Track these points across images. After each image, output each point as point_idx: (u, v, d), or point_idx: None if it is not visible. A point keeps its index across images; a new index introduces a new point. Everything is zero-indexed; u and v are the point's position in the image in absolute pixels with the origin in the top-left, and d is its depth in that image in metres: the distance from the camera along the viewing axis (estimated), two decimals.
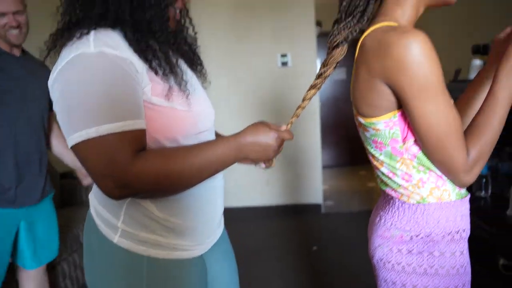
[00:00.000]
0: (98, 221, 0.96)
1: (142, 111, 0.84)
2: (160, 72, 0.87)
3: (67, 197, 3.21)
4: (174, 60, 0.93)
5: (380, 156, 0.93)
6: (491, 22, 2.33)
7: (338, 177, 5.20)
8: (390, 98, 0.84)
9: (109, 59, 0.79)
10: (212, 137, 1.06)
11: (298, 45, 3.71)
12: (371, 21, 0.92)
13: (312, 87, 1.01)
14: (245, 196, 3.88)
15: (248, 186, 3.83)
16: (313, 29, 3.72)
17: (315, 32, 3.79)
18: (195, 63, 1.09)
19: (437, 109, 0.78)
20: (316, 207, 3.89)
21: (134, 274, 0.92)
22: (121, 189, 0.80)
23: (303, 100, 1.03)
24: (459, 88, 1.59)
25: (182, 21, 1.04)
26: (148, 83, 0.85)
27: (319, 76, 0.99)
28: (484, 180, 1.60)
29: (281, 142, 0.96)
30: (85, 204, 2.87)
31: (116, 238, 0.92)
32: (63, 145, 1.98)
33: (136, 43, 0.85)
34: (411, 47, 0.76)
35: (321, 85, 1.00)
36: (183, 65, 1.00)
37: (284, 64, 3.73)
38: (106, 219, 0.94)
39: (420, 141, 0.84)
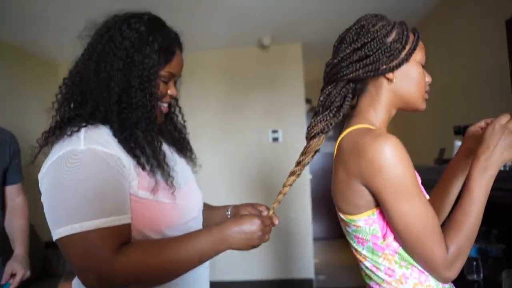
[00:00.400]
0: None
1: (127, 206, 0.87)
2: (147, 168, 0.91)
3: (50, 267, 3.12)
4: (161, 156, 0.96)
5: (363, 251, 0.94)
6: (473, 102, 2.47)
7: (329, 250, 5.11)
8: (368, 198, 0.87)
9: (97, 156, 0.83)
10: (199, 224, 1.07)
11: (289, 121, 3.85)
12: (347, 120, 0.98)
13: (292, 173, 1.05)
14: (234, 269, 3.79)
15: (237, 259, 3.75)
16: (303, 106, 3.88)
17: (305, 109, 3.94)
18: (185, 150, 1.15)
19: (412, 208, 0.81)
20: (308, 282, 3.78)
21: None
22: (102, 283, 0.80)
23: (284, 186, 1.07)
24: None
25: (172, 109, 1.12)
26: (135, 178, 0.89)
27: (298, 163, 1.03)
28: (475, 263, 1.61)
29: (266, 229, 0.97)
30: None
31: None
32: (14, 224, 1.89)
33: (124, 141, 0.89)
34: (384, 150, 0.80)
35: (300, 172, 1.04)
36: (169, 152, 1.06)
37: (275, 139, 3.84)
38: None
39: (399, 239, 0.86)
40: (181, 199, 0.98)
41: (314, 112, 1.01)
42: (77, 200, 0.80)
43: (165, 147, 1.06)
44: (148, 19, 1.01)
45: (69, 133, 0.87)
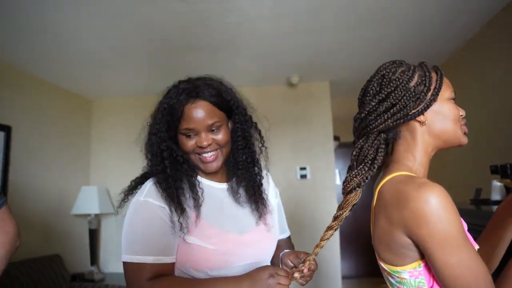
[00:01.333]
0: None
1: (169, 249, 1.06)
2: (192, 216, 1.10)
3: None
4: (202, 198, 1.14)
5: None
6: (510, 140, 2.39)
7: None
8: (413, 249, 0.84)
9: (150, 206, 1.07)
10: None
11: (317, 158, 3.84)
12: (384, 168, 0.97)
13: (329, 228, 1.03)
14: None
15: None
16: (331, 143, 3.86)
17: (333, 146, 3.92)
18: (254, 201, 1.21)
19: (461, 261, 0.76)
20: None
21: None
22: None
23: (321, 240, 1.05)
24: (481, 215, 1.58)
25: (244, 157, 1.22)
26: (185, 226, 1.07)
27: (335, 218, 1.01)
28: None
29: (279, 282, 0.96)
30: None
31: None
32: None
33: (169, 195, 1.09)
34: (429, 200, 0.77)
35: (338, 227, 1.02)
36: (237, 197, 1.20)
37: (303, 176, 3.82)
38: None
39: None
40: (233, 245, 1.11)
41: (348, 167, 1.00)
42: (131, 237, 1.06)
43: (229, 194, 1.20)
44: (173, 86, 1.19)
45: (141, 187, 1.16)
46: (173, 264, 1.08)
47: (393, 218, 0.84)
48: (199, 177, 1.18)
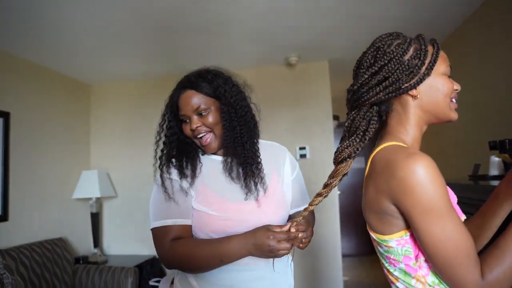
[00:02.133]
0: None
1: (184, 213, 1.27)
2: (198, 185, 1.30)
3: (80, 282, 3.21)
4: (199, 170, 1.34)
5: (395, 272, 0.92)
6: (509, 116, 2.39)
7: (359, 267, 5.00)
8: (399, 217, 0.85)
9: (165, 180, 1.29)
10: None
11: (316, 137, 3.84)
12: (378, 139, 0.98)
13: (319, 195, 1.05)
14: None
15: None
16: (330, 122, 3.86)
17: (332, 125, 3.92)
18: (249, 174, 1.31)
19: (443, 231, 0.78)
20: None
21: None
22: (162, 260, 1.27)
23: (310, 204, 1.08)
24: (479, 189, 1.59)
25: (239, 136, 1.33)
26: (193, 195, 1.28)
27: (325, 186, 1.02)
28: None
29: (278, 242, 1.11)
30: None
31: None
32: None
33: (183, 172, 1.31)
34: (417, 170, 0.78)
35: (327, 194, 1.04)
36: (236, 172, 1.32)
37: (303, 156, 3.83)
38: (176, 282, 1.38)
39: (429, 260, 0.83)
40: (233, 212, 1.26)
41: (341, 138, 1.01)
42: (154, 208, 1.30)
43: (231, 166, 1.32)
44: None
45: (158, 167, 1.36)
46: (190, 226, 1.28)
47: (381, 186, 0.86)
48: (201, 154, 1.38)
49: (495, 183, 1.63)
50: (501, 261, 0.77)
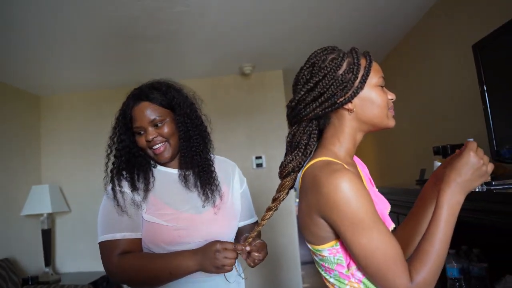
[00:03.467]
0: None
1: (134, 226, 1.25)
2: (151, 198, 1.29)
3: None
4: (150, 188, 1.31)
5: (330, 279, 0.96)
6: (450, 123, 2.53)
7: (318, 274, 5.06)
8: (328, 229, 0.89)
9: (115, 193, 1.27)
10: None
11: (272, 147, 3.89)
12: (314, 152, 1.00)
13: (269, 209, 1.08)
14: None
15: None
16: (286, 131, 3.91)
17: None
18: (205, 183, 1.35)
19: (370, 241, 0.81)
20: None
21: None
22: (109, 274, 1.25)
23: (262, 219, 1.11)
24: None
25: (194, 145, 1.36)
26: (145, 207, 1.27)
27: (274, 200, 1.05)
28: (458, 283, 1.63)
29: (225, 258, 1.13)
30: None
31: None
32: None
33: (134, 185, 1.30)
34: (339, 186, 0.82)
35: (277, 208, 1.07)
36: (191, 182, 1.35)
37: (259, 165, 3.87)
38: None
39: (361, 269, 0.87)
40: (188, 223, 1.27)
41: (285, 152, 1.03)
42: (102, 221, 1.28)
43: (183, 178, 1.35)
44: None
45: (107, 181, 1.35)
46: (140, 240, 1.27)
47: (310, 202, 0.89)
48: (158, 166, 1.38)
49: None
50: (425, 263, 0.81)
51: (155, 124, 1.31)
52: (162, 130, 1.31)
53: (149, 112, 1.30)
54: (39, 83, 3.71)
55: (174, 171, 1.38)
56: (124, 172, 1.32)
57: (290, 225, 3.82)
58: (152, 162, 1.38)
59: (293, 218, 3.83)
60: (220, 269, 1.14)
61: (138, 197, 1.28)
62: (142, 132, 1.31)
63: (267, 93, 3.96)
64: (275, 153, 3.87)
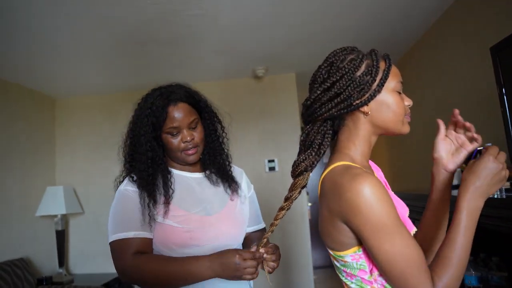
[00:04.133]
0: None
1: (146, 226, 1.24)
2: (161, 199, 1.28)
3: None
4: (170, 192, 1.31)
5: (352, 285, 0.94)
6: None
7: (330, 279, 5.03)
8: (351, 235, 0.88)
9: (128, 192, 1.29)
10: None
11: (285, 150, 3.87)
12: (330, 156, 0.99)
13: (281, 208, 1.07)
14: None
15: None
16: (298, 134, 3.90)
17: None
18: (226, 179, 1.41)
19: (393, 247, 0.80)
20: None
21: None
22: (121, 275, 1.23)
23: (275, 219, 1.10)
24: None
25: (213, 145, 1.42)
26: (158, 209, 1.26)
27: (286, 199, 1.04)
28: None
29: (245, 265, 1.12)
30: None
31: None
32: None
33: (144, 185, 1.28)
34: (362, 191, 0.80)
35: (289, 207, 1.06)
36: (208, 182, 1.40)
37: (272, 169, 3.85)
38: None
39: (383, 275, 0.85)
40: (198, 224, 1.28)
41: (298, 151, 1.03)
42: (115, 220, 1.27)
43: (201, 181, 1.40)
44: (146, 95, 1.37)
45: (121, 180, 1.38)
46: (151, 241, 1.26)
47: (332, 208, 0.88)
48: (173, 170, 1.38)
49: (455, 192, 1.68)
50: (447, 269, 0.80)
51: (191, 127, 1.33)
52: (197, 132, 1.34)
53: (188, 113, 1.31)
54: (55, 85, 3.75)
55: (194, 175, 1.40)
56: (143, 172, 1.30)
57: (303, 229, 3.79)
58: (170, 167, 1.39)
59: (305, 221, 3.80)
60: (239, 271, 1.14)
61: (151, 198, 1.27)
62: (175, 133, 1.31)
63: (280, 96, 3.94)
64: (288, 156, 3.85)
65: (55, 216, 3.67)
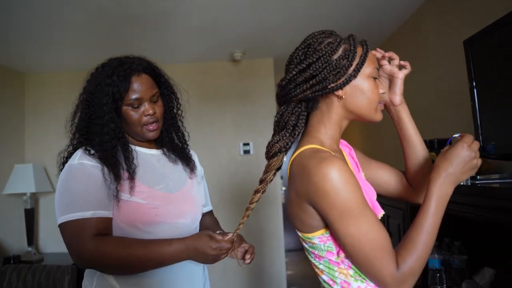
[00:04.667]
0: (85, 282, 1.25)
1: (105, 204, 1.14)
2: (124, 175, 1.19)
3: (9, 282, 2.99)
4: (133, 166, 1.23)
5: (320, 266, 0.96)
6: (437, 119, 2.55)
7: (302, 261, 5.14)
8: (318, 218, 0.90)
9: (83, 166, 1.16)
10: (187, 228, 1.29)
11: (260, 134, 3.88)
12: (300, 140, 1.00)
13: (257, 191, 1.06)
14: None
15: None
16: (273, 119, 3.92)
17: None
18: (183, 158, 1.40)
19: (358, 230, 0.82)
20: None
21: None
22: (78, 260, 1.11)
23: (250, 203, 1.09)
24: None
25: (171, 121, 1.39)
26: (122, 185, 1.16)
27: (261, 181, 1.04)
28: (438, 274, 1.66)
29: (221, 252, 1.13)
30: None
31: None
32: None
33: (103, 158, 1.18)
34: (328, 175, 0.82)
35: (264, 189, 1.06)
36: (165, 160, 1.35)
37: (246, 152, 3.86)
38: (86, 283, 1.24)
39: (349, 258, 0.88)
40: (163, 201, 1.22)
41: (272, 132, 1.03)
42: (66, 199, 1.14)
43: (160, 158, 1.35)
44: (103, 65, 1.29)
45: (65, 155, 1.27)
46: (111, 220, 1.16)
47: (299, 191, 0.90)
48: (132, 146, 1.30)
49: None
50: (412, 252, 0.82)
51: (153, 100, 1.26)
52: (158, 106, 1.28)
53: (150, 85, 1.25)
54: (24, 60, 3.62)
55: (152, 151, 1.35)
56: (104, 145, 1.20)
57: (276, 213, 3.85)
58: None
59: (279, 205, 3.85)
60: (214, 261, 1.15)
61: (112, 174, 1.16)
62: (136, 106, 1.23)
63: (257, 81, 3.94)
64: (263, 140, 3.86)
65: (24, 194, 3.58)
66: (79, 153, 1.20)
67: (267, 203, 3.77)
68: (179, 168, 1.37)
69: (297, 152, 0.94)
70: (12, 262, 3.25)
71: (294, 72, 0.94)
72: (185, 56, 3.73)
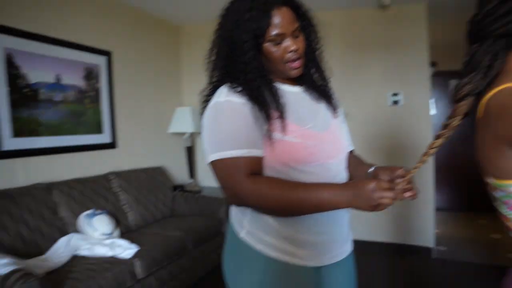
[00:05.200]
0: (232, 219, 1.26)
1: (257, 143, 1.09)
2: (275, 115, 1.12)
3: (178, 207, 3.62)
4: (282, 105, 1.14)
5: None
6: None
7: (452, 222, 4.72)
8: None
9: (233, 104, 1.10)
10: (336, 168, 1.22)
11: (411, 84, 3.62)
12: (495, 78, 0.88)
13: (439, 136, 0.97)
14: (352, 229, 3.77)
15: (357, 218, 3.71)
16: (426, 69, 3.61)
17: (429, 73, 3.65)
18: (326, 96, 1.30)
19: None
20: (427, 250, 3.64)
21: (252, 267, 1.17)
22: (233, 199, 1.11)
23: (429, 148, 1.00)
24: None
25: (312, 59, 1.26)
26: (267, 122, 1.10)
27: (445, 126, 0.96)
28: None
29: (384, 193, 0.95)
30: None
31: (242, 233, 1.19)
32: None
33: (252, 97, 1.11)
34: None
35: (448, 135, 0.96)
36: (310, 99, 1.25)
37: (395, 102, 3.65)
38: (236, 219, 1.23)
39: None
40: (315, 140, 1.15)
41: (460, 74, 0.93)
42: (219, 136, 1.09)
43: (303, 96, 1.25)
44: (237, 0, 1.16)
45: (207, 94, 1.21)
46: (262, 159, 1.11)
47: (499, 133, 0.81)
48: (276, 84, 1.20)
49: None
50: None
51: (295, 35, 1.14)
52: (300, 42, 1.15)
53: (292, 18, 1.12)
54: (178, 15, 3.97)
55: (294, 89, 1.24)
56: (244, 85, 1.13)
57: (426, 167, 3.56)
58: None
59: (429, 159, 3.54)
60: (375, 208, 0.98)
61: (265, 113, 1.11)
62: (279, 42, 1.12)
63: (407, 28, 3.60)
64: (413, 92, 3.60)
65: (184, 133, 4.04)
66: (224, 90, 1.13)
67: (417, 157, 3.50)
68: (322, 107, 1.28)
69: (495, 90, 0.84)
70: (178, 190, 3.80)
71: (493, 4, 0.84)
72: (330, 3, 3.59)
